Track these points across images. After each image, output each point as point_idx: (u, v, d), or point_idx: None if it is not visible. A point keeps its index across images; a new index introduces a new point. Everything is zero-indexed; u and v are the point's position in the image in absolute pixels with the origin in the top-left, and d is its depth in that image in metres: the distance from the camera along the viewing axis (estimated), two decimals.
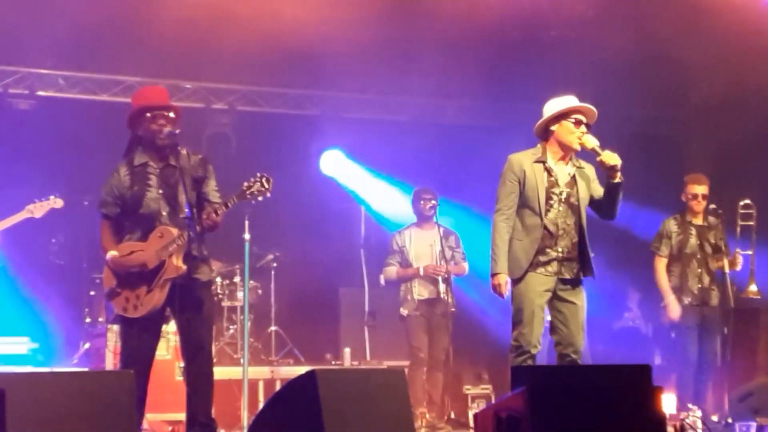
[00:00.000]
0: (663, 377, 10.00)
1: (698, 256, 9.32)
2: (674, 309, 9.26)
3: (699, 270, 9.32)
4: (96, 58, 11.26)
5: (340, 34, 10.41)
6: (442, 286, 9.72)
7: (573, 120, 7.06)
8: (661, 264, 9.36)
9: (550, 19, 10.36)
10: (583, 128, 7.05)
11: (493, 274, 7.07)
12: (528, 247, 7.04)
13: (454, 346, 9.83)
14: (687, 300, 9.29)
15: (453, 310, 9.75)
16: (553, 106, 7.14)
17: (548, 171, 7.10)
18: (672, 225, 9.34)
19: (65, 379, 5.95)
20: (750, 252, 9.23)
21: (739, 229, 9.21)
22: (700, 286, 9.30)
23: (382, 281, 10.34)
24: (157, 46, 10.32)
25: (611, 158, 6.91)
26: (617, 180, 6.95)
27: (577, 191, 7.10)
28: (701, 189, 9.32)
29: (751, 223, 9.22)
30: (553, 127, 7.11)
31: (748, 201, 9.30)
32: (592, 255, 7.20)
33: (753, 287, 9.15)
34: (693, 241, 9.31)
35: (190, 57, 10.65)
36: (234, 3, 10.00)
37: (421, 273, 9.82)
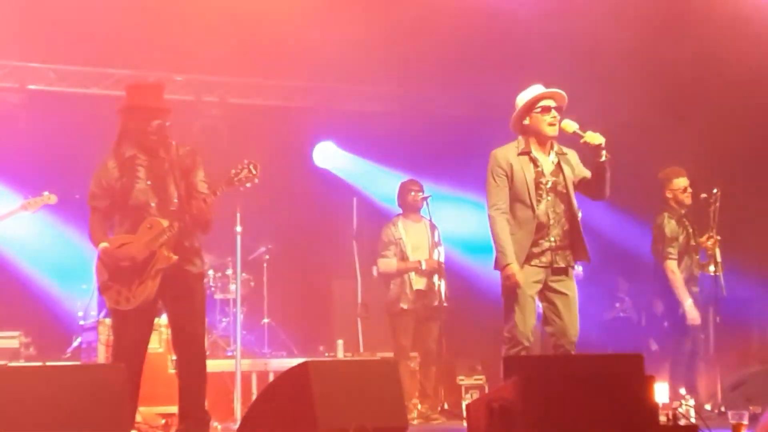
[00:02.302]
0: (656, 366, 10.03)
1: (693, 244, 9.38)
2: (695, 315, 9.24)
3: (697, 257, 9.41)
4: (86, 52, 11.23)
5: (331, 26, 10.40)
6: (436, 280, 9.69)
7: (539, 108, 7.08)
8: (677, 268, 9.30)
9: (539, 10, 10.35)
10: (553, 113, 7.06)
11: (504, 266, 6.96)
12: (522, 240, 7.02)
13: (448, 337, 9.82)
14: (695, 290, 9.32)
15: (445, 303, 9.73)
16: (520, 100, 7.18)
17: (534, 162, 7.11)
18: (674, 226, 9.31)
19: (57, 373, 5.96)
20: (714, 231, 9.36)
21: (712, 215, 9.27)
22: (699, 271, 9.38)
23: (375, 273, 10.32)
24: (148, 38, 10.30)
25: (594, 138, 6.93)
26: (603, 158, 6.96)
27: (564, 179, 7.11)
28: (686, 181, 9.37)
29: (717, 204, 9.31)
30: (525, 121, 7.14)
31: (716, 189, 9.33)
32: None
33: (711, 267, 9.28)
34: (690, 230, 9.36)
35: (181, 49, 10.61)
36: None
37: (423, 267, 9.75)
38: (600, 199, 7.28)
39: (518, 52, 10.96)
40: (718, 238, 9.31)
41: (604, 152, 6.94)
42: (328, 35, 10.48)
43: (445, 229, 10.21)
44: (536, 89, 7.14)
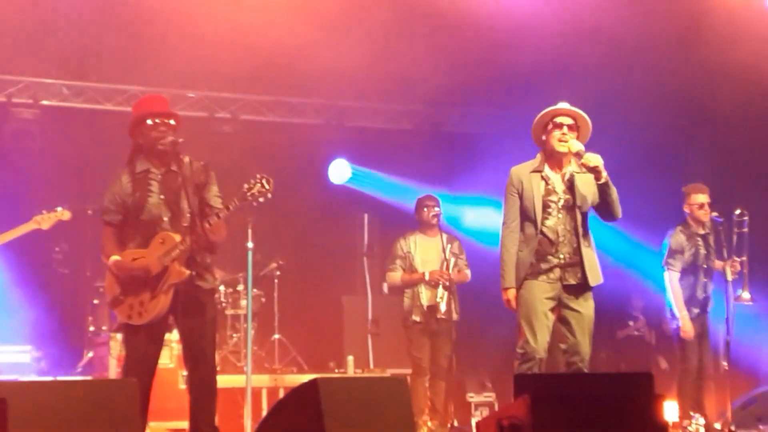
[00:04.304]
0: (666, 385, 10.02)
1: (704, 266, 9.35)
2: (689, 328, 9.24)
3: (704, 279, 9.35)
4: (100, 68, 11.29)
5: (344, 44, 10.44)
6: (440, 292, 9.68)
7: (551, 125, 7.15)
8: (675, 280, 9.32)
9: (553, 32, 10.38)
10: (565, 130, 7.12)
11: (503, 289, 7.17)
12: (527, 256, 7.14)
13: (458, 353, 9.82)
14: (696, 311, 9.30)
15: (456, 318, 9.71)
16: (537, 116, 7.27)
17: (545, 180, 7.18)
18: (683, 239, 9.31)
19: (68, 388, 5.95)
20: (743, 258, 9.25)
21: (735, 237, 9.22)
22: (704, 295, 9.34)
23: (385, 289, 10.33)
24: (161, 54, 10.34)
25: (592, 160, 7.00)
26: (602, 180, 7.02)
27: (576, 196, 7.14)
28: (705, 198, 9.34)
29: (745, 230, 9.24)
30: (544, 136, 7.22)
31: (740, 210, 9.30)
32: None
33: (746, 294, 9.20)
34: (702, 251, 9.34)
35: (194, 66, 10.65)
36: (237, 13, 10.03)
37: (427, 278, 9.74)
38: (611, 220, 7.32)
39: (532, 71, 10.99)
40: (737, 262, 9.21)
41: (603, 174, 7.00)
42: (342, 53, 10.51)
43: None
44: (552, 107, 7.23)
